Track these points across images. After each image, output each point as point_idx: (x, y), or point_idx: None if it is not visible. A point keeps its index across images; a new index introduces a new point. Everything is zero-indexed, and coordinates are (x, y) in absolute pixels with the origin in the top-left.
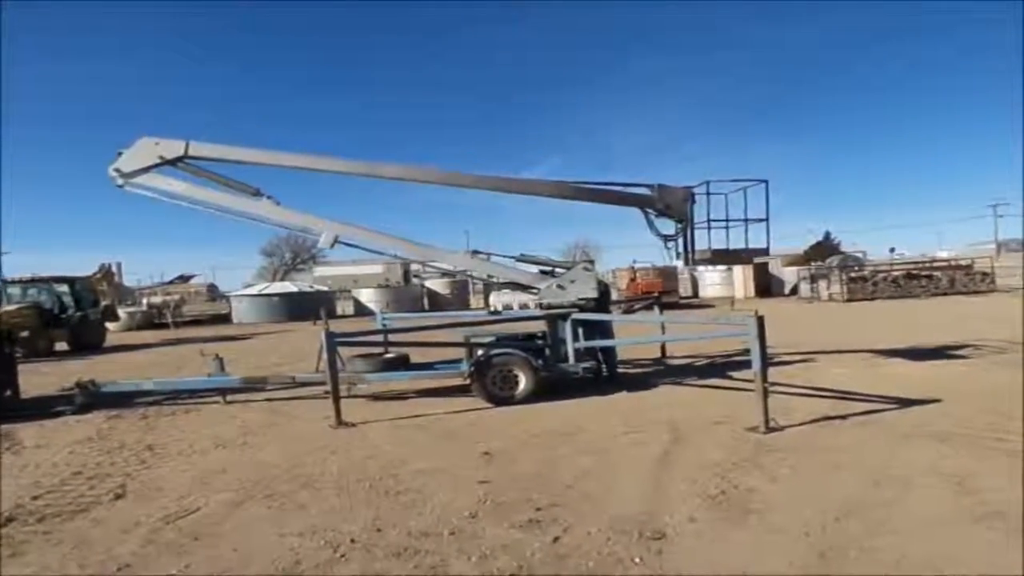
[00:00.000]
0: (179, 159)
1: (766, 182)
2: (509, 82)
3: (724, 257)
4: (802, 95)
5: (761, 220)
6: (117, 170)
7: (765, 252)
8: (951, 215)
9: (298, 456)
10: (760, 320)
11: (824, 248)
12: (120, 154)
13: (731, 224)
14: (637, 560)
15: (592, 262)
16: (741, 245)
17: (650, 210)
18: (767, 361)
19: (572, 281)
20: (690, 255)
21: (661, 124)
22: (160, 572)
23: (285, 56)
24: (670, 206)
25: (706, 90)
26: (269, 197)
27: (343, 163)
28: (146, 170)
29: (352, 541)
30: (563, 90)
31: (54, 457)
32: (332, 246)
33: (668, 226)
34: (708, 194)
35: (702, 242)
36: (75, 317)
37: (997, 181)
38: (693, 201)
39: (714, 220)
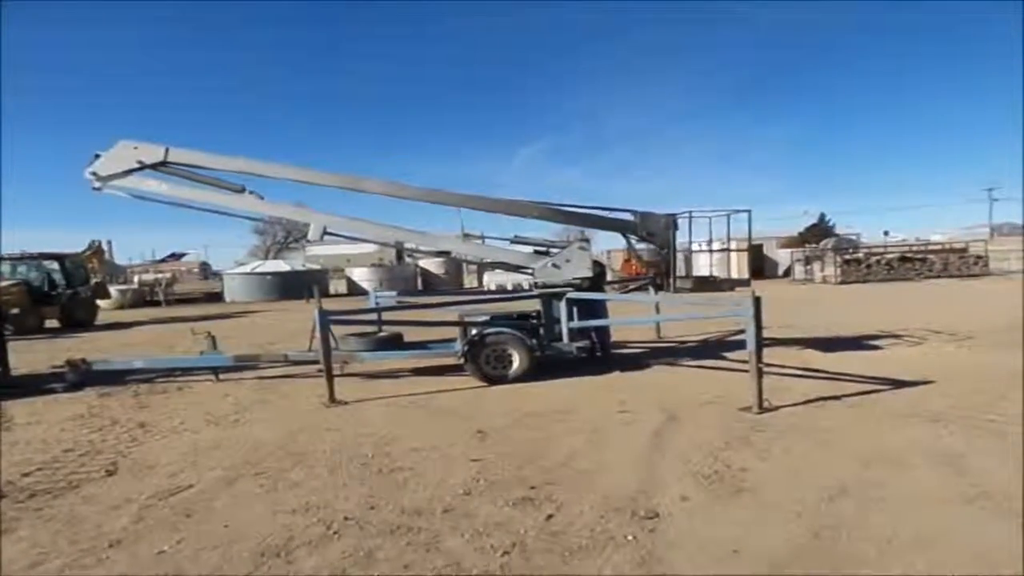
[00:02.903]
0: (159, 164)
1: (749, 211)
2: (502, 59)
3: (705, 286)
4: (798, 76)
5: (742, 250)
6: (94, 173)
7: (747, 283)
8: (946, 199)
9: (291, 434)
10: (757, 301)
11: (819, 230)
12: (97, 156)
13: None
14: (630, 538)
15: (588, 241)
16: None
17: (632, 236)
18: (762, 342)
19: (567, 260)
20: (672, 282)
21: (657, 103)
22: (152, 548)
23: (273, 27)
24: (652, 233)
25: (702, 70)
26: (252, 192)
27: (327, 176)
28: (125, 174)
29: (345, 518)
30: (558, 67)
31: (45, 434)
32: (321, 238)
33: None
34: (690, 219)
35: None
36: (65, 294)
37: (993, 165)
38: (676, 228)
39: (696, 250)
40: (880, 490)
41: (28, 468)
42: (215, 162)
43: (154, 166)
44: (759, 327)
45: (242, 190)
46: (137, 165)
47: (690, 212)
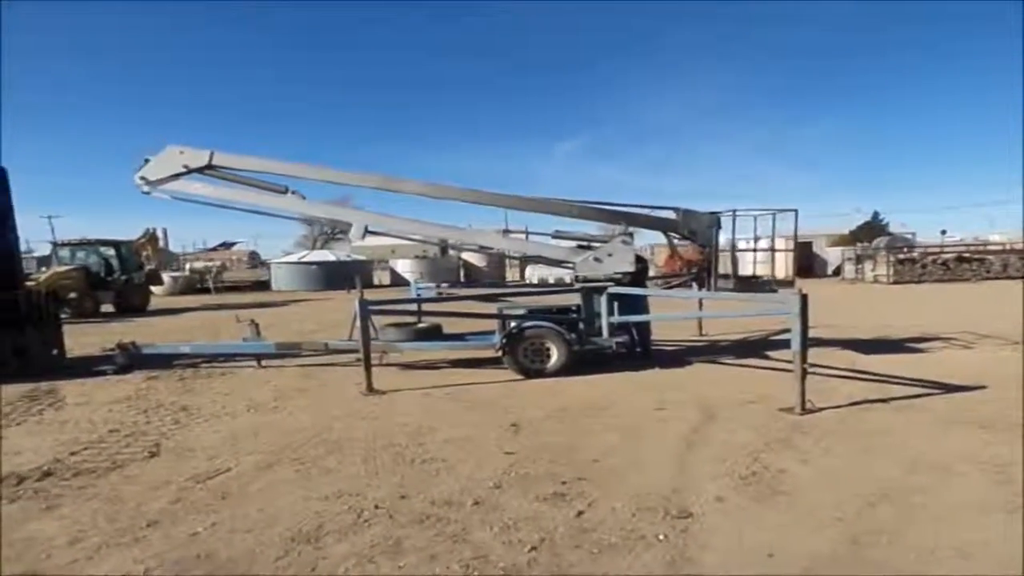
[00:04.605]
0: (204, 168)
1: (795, 211)
2: (540, 54)
3: (747, 285)
4: (852, 68)
5: (789, 250)
6: (143, 178)
7: (790, 283)
8: (1006, 197)
9: (328, 421)
10: (803, 298)
11: (871, 228)
12: (147, 161)
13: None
14: (661, 537)
15: (631, 235)
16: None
17: (674, 234)
18: (807, 341)
19: (609, 254)
20: (713, 281)
21: (701, 96)
22: (187, 529)
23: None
24: (695, 232)
25: (751, 62)
26: (294, 192)
27: (366, 177)
28: (172, 178)
29: (376, 507)
30: (597, 62)
31: (93, 415)
32: (363, 237)
33: None
34: (734, 218)
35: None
36: (120, 280)
37: None
38: (719, 227)
39: (742, 249)
40: (924, 497)
41: (75, 447)
42: (258, 165)
43: (200, 170)
44: (805, 326)
45: (285, 191)
46: (183, 169)
47: (734, 211)
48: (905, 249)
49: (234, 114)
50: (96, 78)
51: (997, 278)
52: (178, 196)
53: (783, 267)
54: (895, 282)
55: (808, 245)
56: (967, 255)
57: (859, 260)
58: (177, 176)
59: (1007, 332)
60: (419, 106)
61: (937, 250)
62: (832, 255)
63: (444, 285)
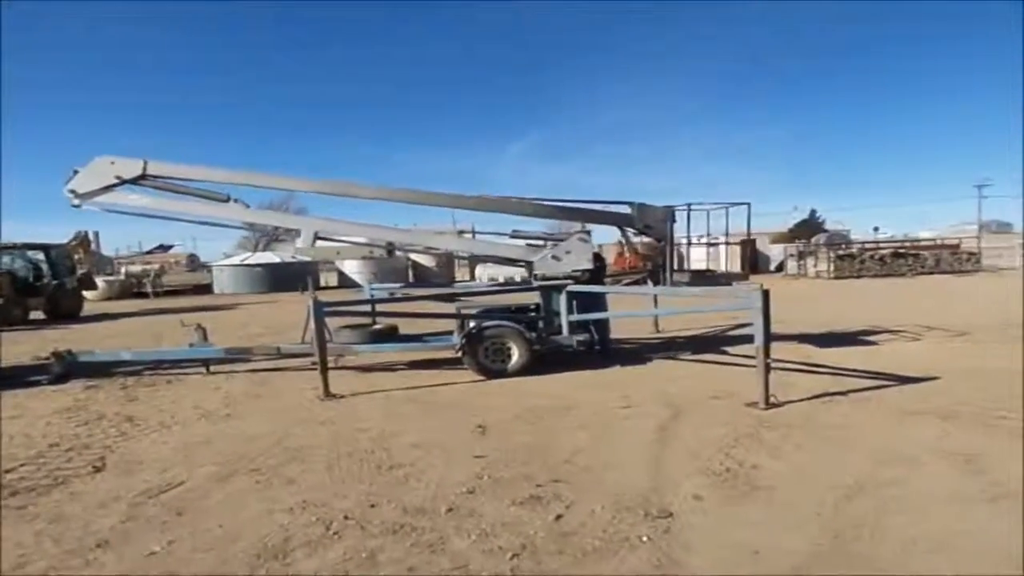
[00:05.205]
0: (138, 178)
1: (748, 204)
2: (493, 54)
3: (703, 279)
4: (787, 73)
5: (737, 243)
6: (72, 191)
7: (744, 277)
8: (936, 195)
9: (285, 428)
10: (765, 294)
11: (810, 226)
12: (76, 172)
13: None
14: (644, 539)
15: (588, 233)
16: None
17: (629, 229)
18: (770, 336)
19: (568, 252)
20: (668, 275)
21: (646, 99)
22: (142, 549)
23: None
24: (650, 226)
25: (689, 67)
26: (237, 200)
27: (315, 183)
28: (104, 190)
29: (345, 518)
30: (548, 63)
31: (29, 428)
32: (313, 243)
33: None
34: (689, 212)
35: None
36: (51, 285)
37: (983, 162)
38: (673, 220)
39: (694, 243)
40: (898, 489)
41: (11, 464)
42: (197, 173)
43: (134, 180)
44: (767, 321)
45: (227, 200)
46: (116, 180)
47: (688, 205)
48: (843, 245)
49: (185, 120)
50: (29, 76)
51: (931, 273)
52: (112, 208)
53: (729, 262)
54: (836, 277)
55: (752, 242)
56: (902, 251)
57: (801, 256)
58: (109, 188)
59: (951, 323)
60: (368, 107)
61: (873, 246)
62: (774, 251)
63: (399, 286)
